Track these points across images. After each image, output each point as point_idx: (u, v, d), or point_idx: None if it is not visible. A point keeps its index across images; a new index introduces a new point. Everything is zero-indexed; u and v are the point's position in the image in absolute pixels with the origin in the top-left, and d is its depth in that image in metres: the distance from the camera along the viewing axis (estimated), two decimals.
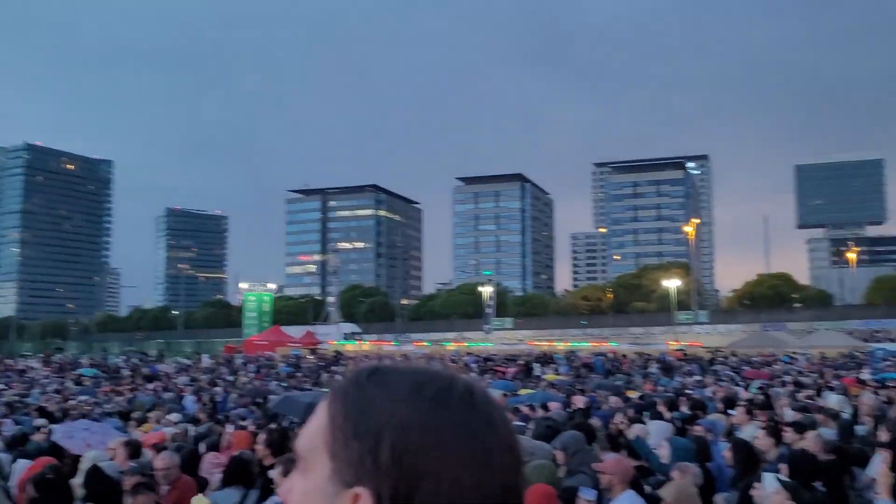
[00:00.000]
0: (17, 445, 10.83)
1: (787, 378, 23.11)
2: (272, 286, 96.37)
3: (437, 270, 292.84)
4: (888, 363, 34.07)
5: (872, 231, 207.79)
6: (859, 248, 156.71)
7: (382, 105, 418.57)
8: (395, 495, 0.82)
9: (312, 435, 0.91)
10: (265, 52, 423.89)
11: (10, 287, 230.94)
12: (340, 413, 0.89)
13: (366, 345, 70.22)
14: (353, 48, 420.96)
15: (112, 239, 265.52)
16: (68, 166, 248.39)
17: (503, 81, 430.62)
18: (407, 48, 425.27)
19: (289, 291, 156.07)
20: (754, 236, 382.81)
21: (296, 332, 68.70)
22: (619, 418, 9.14)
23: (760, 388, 17.56)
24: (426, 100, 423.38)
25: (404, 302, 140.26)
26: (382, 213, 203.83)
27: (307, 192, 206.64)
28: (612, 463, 5.90)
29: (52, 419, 13.91)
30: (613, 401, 12.88)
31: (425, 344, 69.53)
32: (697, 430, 8.31)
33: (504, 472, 0.86)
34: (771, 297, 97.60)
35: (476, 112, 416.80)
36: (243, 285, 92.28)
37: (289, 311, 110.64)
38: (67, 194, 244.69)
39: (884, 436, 8.02)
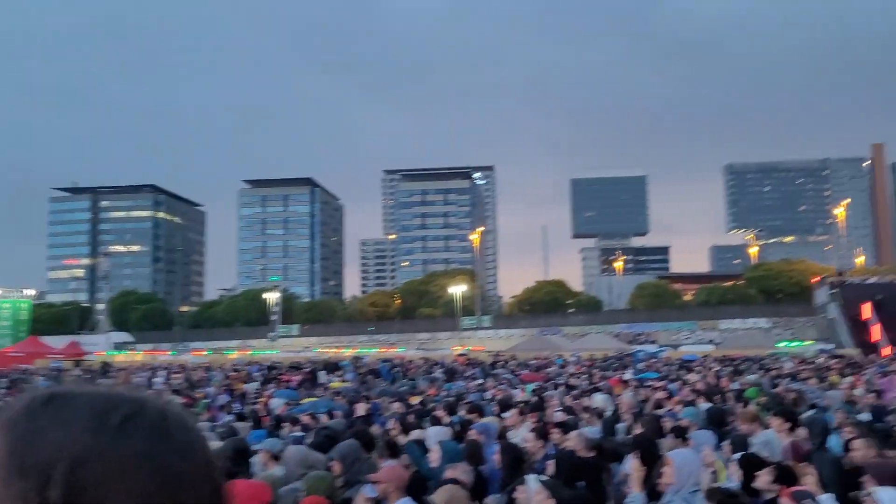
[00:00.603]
0: None
1: (560, 380, 24.49)
2: (30, 292, 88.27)
3: (221, 276, 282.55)
4: (648, 363, 37.16)
5: (637, 241, 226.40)
6: (625, 258, 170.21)
7: (164, 103, 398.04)
8: None
9: None
10: (44, 40, 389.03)
11: None
12: (7, 444, 0.78)
13: (139, 355, 66.28)
14: (132, 45, 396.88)
15: None
16: None
17: (296, 85, 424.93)
18: (192, 47, 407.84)
19: (51, 298, 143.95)
20: (535, 245, 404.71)
21: (58, 342, 63.45)
22: (392, 424, 9.17)
23: (535, 390, 18.40)
24: (212, 100, 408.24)
25: (184, 309, 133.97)
26: (161, 214, 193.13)
27: (75, 191, 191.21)
28: (386, 471, 5.87)
29: None
30: (396, 407, 12.94)
31: (205, 352, 66.70)
32: (471, 433, 8.51)
33: (200, 500, 0.79)
34: (548, 303, 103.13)
35: (266, 115, 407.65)
36: None
37: (50, 319, 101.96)
38: None
39: (638, 431, 8.64)
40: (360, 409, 12.77)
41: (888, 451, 6.90)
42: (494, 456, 7.24)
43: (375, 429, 9.88)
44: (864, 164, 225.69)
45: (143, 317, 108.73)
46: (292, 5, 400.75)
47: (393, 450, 7.60)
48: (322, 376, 33.92)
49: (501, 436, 9.02)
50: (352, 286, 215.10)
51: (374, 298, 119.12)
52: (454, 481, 5.65)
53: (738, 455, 6.72)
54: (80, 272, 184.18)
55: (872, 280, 75.46)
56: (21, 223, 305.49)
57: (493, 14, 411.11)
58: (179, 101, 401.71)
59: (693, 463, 6.60)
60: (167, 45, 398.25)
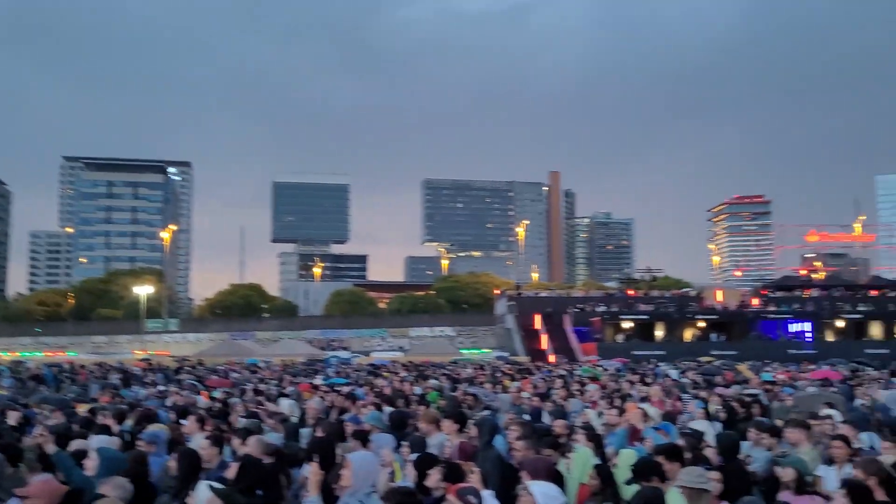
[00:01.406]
0: None
1: (248, 385, 23.95)
2: None
3: None
4: (339, 369, 37.73)
5: (336, 249, 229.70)
6: (324, 264, 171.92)
7: None
8: None
9: None
10: None
11: None
12: None
13: None
14: None
15: None
16: None
17: None
18: None
19: None
20: (232, 247, 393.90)
21: None
22: (43, 433, 8.29)
23: (220, 396, 17.81)
24: None
25: None
26: None
27: None
28: (36, 486, 5.27)
29: None
30: (56, 415, 11.75)
31: None
32: (140, 443, 7.98)
33: None
34: (242, 307, 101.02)
35: None
36: None
37: None
38: None
39: (317, 434, 8.64)
40: (12, 417, 11.40)
41: (544, 450, 7.56)
42: (169, 463, 6.82)
43: (27, 440, 8.87)
44: (543, 189, 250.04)
45: None
46: None
47: (45, 462, 6.84)
48: None
49: (179, 443, 8.54)
50: (17, 282, 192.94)
51: (42, 297, 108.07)
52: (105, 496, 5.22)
53: (415, 455, 6.96)
54: None
55: (544, 294, 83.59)
56: None
57: (199, 4, 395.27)
58: None
59: (371, 464, 6.69)
60: None
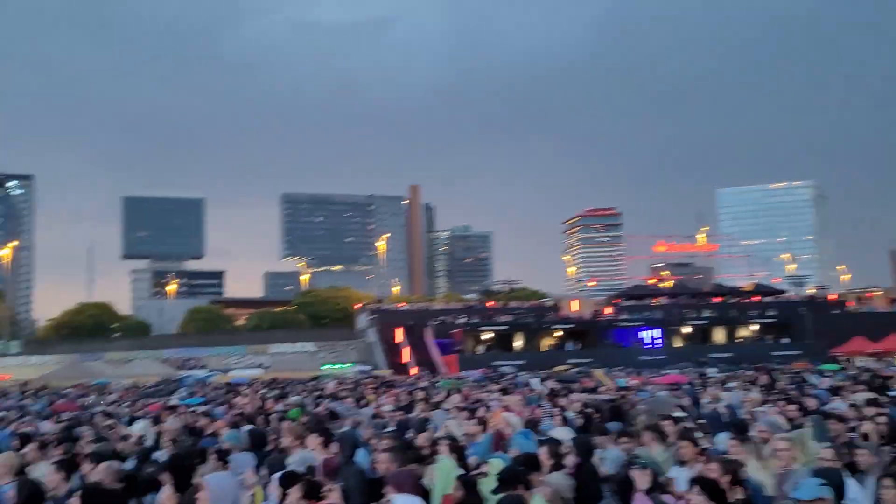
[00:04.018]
0: None
1: (97, 408, 22.78)
2: None
3: None
4: (196, 389, 36.46)
5: (192, 265, 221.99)
6: (179, 281, 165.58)
7: None
8: None
9: None
10: None
11: None
12: None
13: None
14: None
15: None
16: None
17: None
18: None
19: None
20: (79, 264, 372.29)
21: None
22: None
23: (67, 421, 16.87)
24: None
25: None
26: None
27: None
28: None
29: None
30: None
31: None
32: None
33: None
34: (91, 327, 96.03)
35: None
36: None
37: None
38: None
39: (174, 457, 8.35)
40: None
41: (408, 463, 7.62)
42: (7, 494, 6.42)
43: None
44: (402, 202, 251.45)
45: None
46: None
47: None
48: None
49: (20, 472, 8.03)
50: None
51: None
52: None
53: (277, 474, 6.87)
54: None
55: (405, 307, 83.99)
56: None
57: (36, 13, 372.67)
58: None
59: (229, 486, 6.55)
60: None
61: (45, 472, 7.77)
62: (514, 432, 9.83)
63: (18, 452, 9.62)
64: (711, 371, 39.87)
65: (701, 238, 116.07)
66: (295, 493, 5.93)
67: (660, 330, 74.15)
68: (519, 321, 75.44)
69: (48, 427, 16.04)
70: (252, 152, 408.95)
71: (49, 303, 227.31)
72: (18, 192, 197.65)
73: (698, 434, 9.45)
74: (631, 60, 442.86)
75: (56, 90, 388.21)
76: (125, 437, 12.29)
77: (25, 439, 10.77)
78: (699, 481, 5.67)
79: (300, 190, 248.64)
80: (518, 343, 72.90)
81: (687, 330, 75.35)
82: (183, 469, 7.17)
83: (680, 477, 7.28)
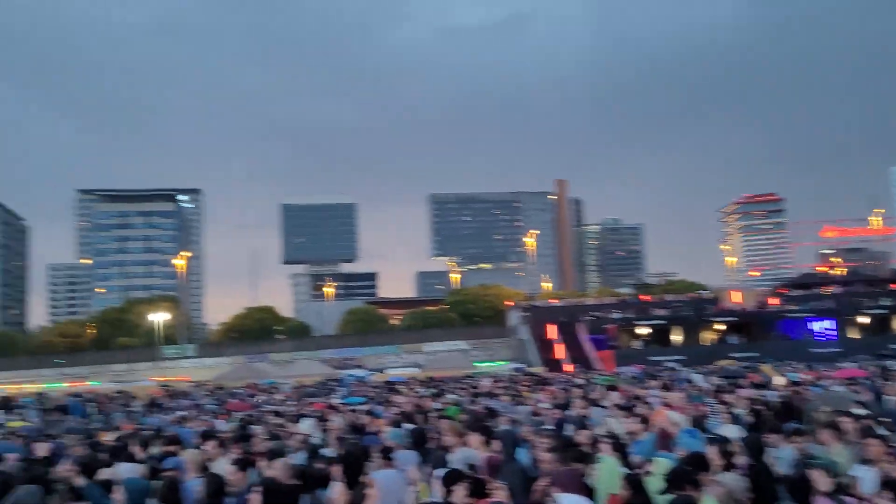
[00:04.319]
0: None
1: (268, 408, 23.98)
2: None
3: None
4: (356, 388, 37.69)
5: (347, 268, 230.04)
6: (335, 283, 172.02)
7: None
8: None
9: None
10: None
11: None
12: None
13: None
14: None
15: None
16: None
17: None
18: None
19: None
20: (244, 270, 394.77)
21: None
22: (68, 465, 8.33)
23: (240, 419, 17.81)
24: None
25: None
26: None
27: None
28: None
29: None
30: (78, 447, 11.79)
31: None
32: (173, 468, 8.00)
33: None
34: (256, 330, 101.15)
35: None
36: None
37: None
38: None
39: (342, 454, 8.62)
40: (41, 449, 11.46)
41: (572, 462, 7.52)
42: (196, 488, 6.84)
43: (56, 471, 8.90)
44: (549, 198, 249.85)
45: None
46: None
47: (72, 493, 6.87)
48: None
49: (203, 468, 8.56)
50: (38, 315, 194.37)
51: (63, 328, 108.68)
52: None
53: (439, 471, 6.94)
54: None
55: (556, 303, 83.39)
56: None
57: (198, 33, 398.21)
58: None
59: (396, 482, 6.70)
60: None
61: (224, 468, 8.22)
62: (679, 430, 9.52)
63: (200, 449, 10.27)
64: (894, 364, 37.03)
65: (875, 221, 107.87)
66: (460, 490, 5.97)
67: (833, 321, 69.71)
68: (676, 315, 73.18)
69: (222, 425, 17.02)
70: (399, 155, 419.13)
71: (218, 308, 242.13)
72: (188, 205, 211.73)
73: (883, 432, 8.78)
74: (789, 38, 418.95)
75: (220, 106, 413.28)
76: (293, 435, 12.84)
77: (206, 437, 11.46)
78: (891, 484, 5.26)
79: (447, 190, 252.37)
80: (676, 337, 70.68)
81: (863, 320, 70.45)
82: (352, 465, 7.41)
83: (865, 477, 6.80)
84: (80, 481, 7.48)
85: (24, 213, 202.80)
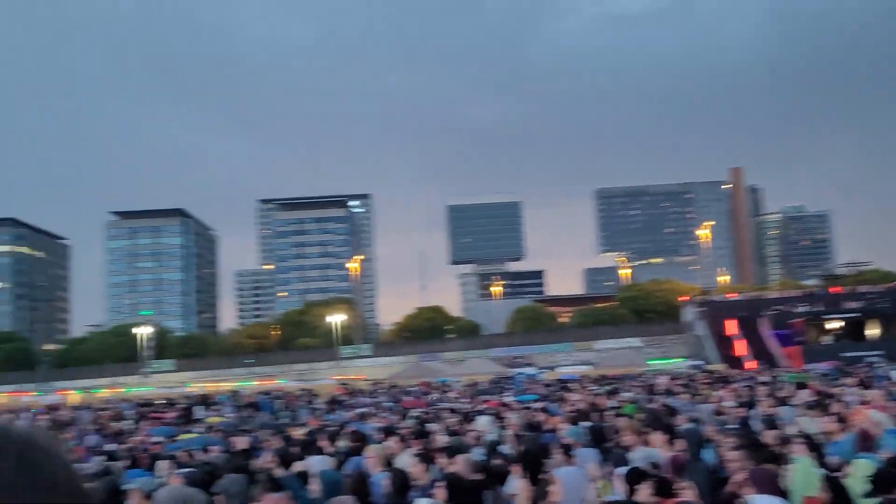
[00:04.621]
0: None
1: (442, 405, 24.51)
2: None
3: (88, 312, 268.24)
4: (528, 385, 37.81)
5: (513, 266, 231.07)
6: (502, 282, 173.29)
7: (24, 134, 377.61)
8: None
9: None
10: None
11: None
12: None
13: (1, 396, 61.93)
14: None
15: None
16: None
17: (160, 114, 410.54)
18: (53, 78, 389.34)
19: None
20: (413, 271, 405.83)
21: None
22: (269, 458, 8.86)
23: (417, 416, 18.31)
24: (74, 130, 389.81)
25: (49, 347, 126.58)
26: (21, 249, 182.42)
27: None
28: (271, 503, 5.67)
29: None
30: (273, 440, 12.55)
31: (74, 392, 63.08)
32: (366, 461, 8.34)
33: None
34: (427, 330, 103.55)
35: (131, 145, 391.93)
36: None
37: None
38: None
39: (520, 450, 8.66)
40: (240, 443, 12.30)
41: (762, 462, 7.17)
42: (382, 482, 7.09)
43: (256, 462, 9.52)
44: (723, 187, 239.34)
45: (5, 357, 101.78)
46: (149, 33, 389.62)
47: (273, 483, 7.32)
48: (198, 412, 32.70)
49: (387, 463, 8.86)
50: (228, 318, 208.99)
51: (251, 330, 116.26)
52: None
53: (620, 469, 6.82)
54: None
55: (735, 298, 79.75)
56: None
57: (352, 42, 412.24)
58: (40, 131, 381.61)
59: (578, 480, 6.64)
60: (17, 74, 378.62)
61: (407, 462, 8.47)
62: (881, 431, 8.83)
63: (383, 444, 10.65)
64: None
65: None
66: (645, 489, 5.84)
67: None
68: (872, 307, 67.89)
69: (401, 422, 17.54)
70: (563, 150, 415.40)
71: (390, 309, 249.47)
72: (359, 210, 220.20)
73: None
74: None
75: (383, 111, 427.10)
76: (470, 432, 13.04)
77: (387, 433, 11.86)
78: None
79: (613, 184, 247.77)
80: (872, 331, 65.54)
81: None
82: (531, 462, 7.43)
83: None
84: (279, 472, 7.97)
85: (212, 224, 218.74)
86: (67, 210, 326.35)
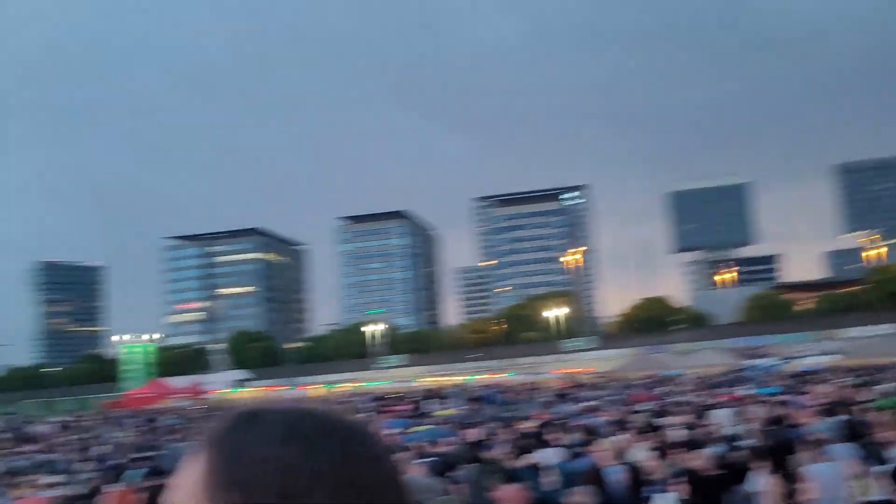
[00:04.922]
0: None
1: (673, 398, 23.72)
2: (153, 336, 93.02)
3: (325, 311, 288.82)
4: (767, 377, 35.68)
5: (743, 252, 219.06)
6: (732, 269, 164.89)
7: (260, 145, 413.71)
8: None
9: (187, 488, 0.87)
10: (139, 95, 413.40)
11: None
12: (215, 461, 0.86)
13: (255, 391, 68.17)
14: (223, 90, 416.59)
15: None
16: None
17: (378, 118, 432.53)
18: (278, 88, 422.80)
19: (172, 341, 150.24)
20: (634, 261, 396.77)
21: (179, 382, 66.08)
22: (504, 449, 8.98)
23: (647, 410, 17.85)
24: (303, 139, 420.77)
25: (293, 345, 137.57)
26: (266, 255, 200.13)
27: (186, 239, 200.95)
28: (508, 493, 5.74)
29: None
30: (504, 432, 12.74)
31: (318, 387, 68.10)
32: (597, 454, 8.24)
33: None
34: (652, 320, 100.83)
35: (354, 150, 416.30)
36: (117, 338, 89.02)
37: (172, 361, 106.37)
38: None
39: (766, 446, 8.14)
40: (473, 434, 12.62)
41: None
42: (619, 475, 6.97)
43: (488, 454, 9.71)
44: None
45: (257, 354, 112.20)
46: (371, 42, 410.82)
47: (508, 474, 7.42)
48: (428, 405, 34.05)
49: (620, 456, 8.70)
50: (451, 315, 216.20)
51: (474, 325, 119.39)
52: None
53: (879, 468, 6.24)
54: (196, 315, 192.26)
55: None
56: (139, 272, 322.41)
57: (560, 34, 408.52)
58: (272, 145, 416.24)
59: (834, 477, 6.18)
60: (254, 92, 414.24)
61: (642, 457, 8.26)
62: None
63: (614, 438, 10.47)
64: None
65: None
66: None
67: None
68: None
69: (628, 416, 17.16)
70: (791, 126, 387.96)
71: (611, 300, 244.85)
72: (575, 202, 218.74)
73: None
74: None
75: (592, 100, 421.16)
76: (706, 426, 12.49)
77: (619, 426, 11.65)
78: None
79: (855, 158, 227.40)
80: None
81: None
82: (777, 457, 6.99)
83: None
84: (514, 463, 8.07)
85: (434, 223, 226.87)
86: (303, 217, 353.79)
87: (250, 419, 0.89)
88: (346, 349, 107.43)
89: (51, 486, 12.27)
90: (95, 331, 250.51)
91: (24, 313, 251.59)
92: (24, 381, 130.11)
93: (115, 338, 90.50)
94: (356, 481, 0.82)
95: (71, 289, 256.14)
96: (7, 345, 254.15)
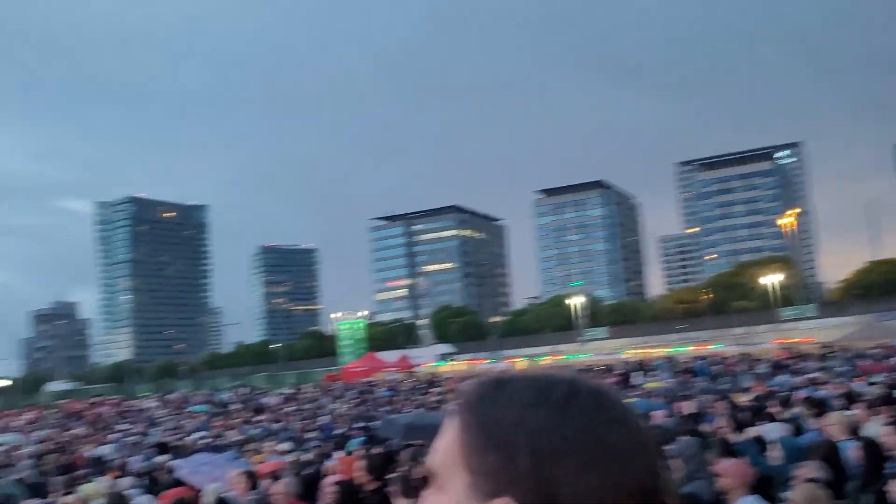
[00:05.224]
0: (145, 479, 11.50)
1: None
2: (364, 313, 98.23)
3: (525, 285, 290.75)
4: None
5: None
6: None
7: (455, 123, 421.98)
8: (538, 502, 0.84)
9: (445, 451, 0.92)
10: (337, 83, 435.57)
11: (125, 333, 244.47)
12: (472, 426, 0.90)
13: (460, 364, 70.16)
14: (421, 72, 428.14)
15: (212, 280, 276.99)
16: (167, 215, 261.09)
17: (569, 87, 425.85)
18: (468, 64, 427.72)
19: (380, 317, 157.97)
20: (858, 222, 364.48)
21: (390, 356, 69.36)
22: (722, 423, 8.70)
23: (881, 382, 16.57)
24: (496, 114, 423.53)
25: (495, 319, 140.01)
26: (465, 232, 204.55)
27: (390, 219, 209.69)
28: (730, 466, 5.63)
29: (173, 454, 14.61)
30: (721, 405, 12.33)
31: (521, 360, 68.93)
32: (825, 428, 7.82)
33: (640, 472, 0.86)
34: (883, 285, 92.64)
35: (546, 121, 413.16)
36: (335, 315, 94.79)
37: (381, 336, 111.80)
38: (168, 241, 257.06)
39: None
40: (686, 407, 12.34)
41: None
42: (853, 451, 6.58)
43: (704, 427, 9.47)
44: None
45: (460, 329, 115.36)
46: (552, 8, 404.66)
47: (727, 448, 7.22)
48: (635, 377, 33.56)
49: (853, 432, 8.18)
50: (654, 285, 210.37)
51: (680, 295, 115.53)
52: (813, 480, 5.21)
53: None
54: (402, 292, 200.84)
55: None
56: (351, 252, 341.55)
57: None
58: (465, 124, 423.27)
59: None
60: (446, 76, 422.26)
61: (878, 432, 7.72)
62: None
63: (846, 412, 9.84)
64: None
65: None
66: None
67: None
68: None
69: (860, 387, 16.03)
70: None
71: (833, 265, 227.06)
72: (788, 161, 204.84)
73: None
74: None
75: (812, 50, 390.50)
76: None
77: (850, 399, 10.94)
78: None
79: None
80: None
81: None
82: None
83: None
84: (732, 437, 7.83)
85: (633, 192, 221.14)
86: (500, 192, 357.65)
87: (501, 385, 0.93)
88: (548, 322, 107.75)
89: (283, 452, 13.44)
90: (312, 309, 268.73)
91: (250, 295, 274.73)
92: (253, 357, 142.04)
93: (333, 315, 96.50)
94: (606, 444, 0.85)
95: (289, 270, 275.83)
96: (237, 323, 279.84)
